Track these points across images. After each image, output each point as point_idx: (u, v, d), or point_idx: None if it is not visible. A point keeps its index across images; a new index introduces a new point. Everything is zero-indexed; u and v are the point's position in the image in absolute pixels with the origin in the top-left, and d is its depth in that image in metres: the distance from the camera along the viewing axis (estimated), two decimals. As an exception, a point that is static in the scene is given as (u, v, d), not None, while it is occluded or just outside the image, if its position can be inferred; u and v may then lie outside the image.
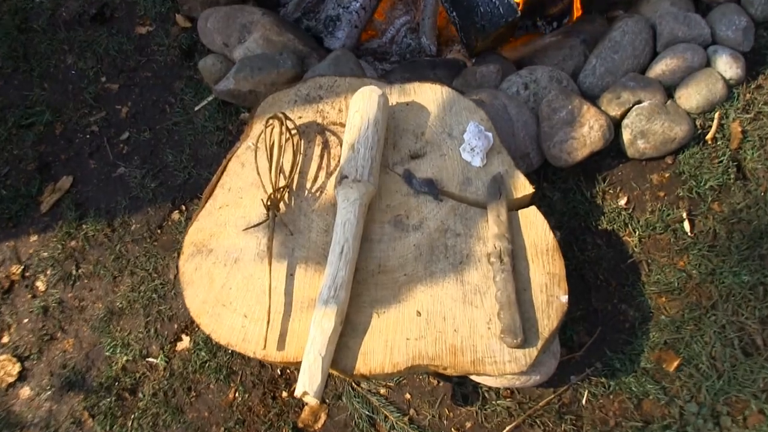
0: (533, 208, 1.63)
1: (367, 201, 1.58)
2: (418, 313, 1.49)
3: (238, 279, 1.58)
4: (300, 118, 1.82)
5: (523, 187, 1.66)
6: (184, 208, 2.18)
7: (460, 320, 1.48)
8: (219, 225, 1.66)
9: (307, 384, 1.36)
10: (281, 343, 1.48)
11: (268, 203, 1.60)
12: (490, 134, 1.72)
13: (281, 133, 1.71)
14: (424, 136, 1.76)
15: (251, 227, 1.62)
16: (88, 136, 2.34)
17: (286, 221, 1.63)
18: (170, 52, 2.47)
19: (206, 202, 1.72)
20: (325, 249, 1.58)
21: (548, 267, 1.54)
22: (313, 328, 1.42)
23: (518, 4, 2.26)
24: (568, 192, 1.95)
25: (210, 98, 2.29)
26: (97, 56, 2.53)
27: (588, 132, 1.89)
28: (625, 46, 2.12)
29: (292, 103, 1.86)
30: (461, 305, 1.50)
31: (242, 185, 1.72)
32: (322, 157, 1.74)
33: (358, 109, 1.70)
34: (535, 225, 1.60)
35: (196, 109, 2.30)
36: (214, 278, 1.59)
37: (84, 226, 2.19)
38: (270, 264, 1.53)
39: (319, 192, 1.68)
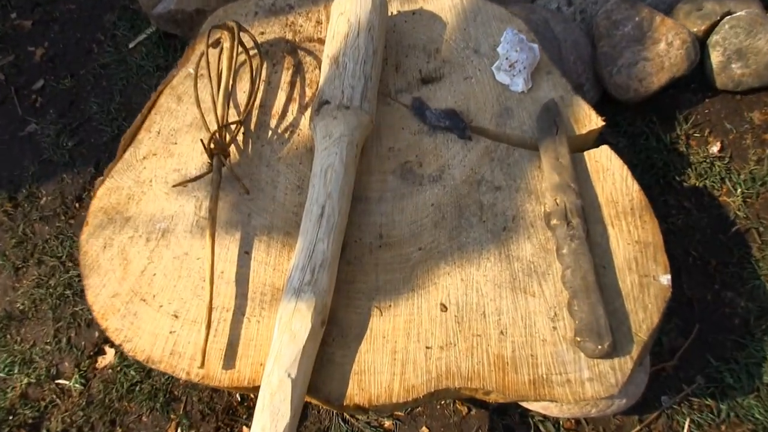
0: (605, 149, 1.12)
1: (360, 138, 1.07)
2: (443, 308, 0.98)
3: (166, 261, 1.06)
4: (262, 34, 1.30)
5: (587, 120, 1.15)
6: (111, 172, 1.64)
7: (508, 317, 0.97)
8: (141, 183, 1.14)
9: (269, 426, 0.85)
10: (229, 358, 0.97)
11: (211, 146, 1.07)
12: (535, 46, 1.20)
13: (233, 48, 1.18)
14: (439, 54, 1.24)
15: (185, 182, 1.10)
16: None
17: (239, 174, 1.11)
18: (100, -22, 1.94)
19: (124, 151, 1.19)
20: (297, 213, 1.06)
21: (636, 233, 1.03)
22: (278, 332, 0.90)
23: None
24: (637, 137, 1.44)
25: (149, 31, 1.77)
26: (6, -14, 1.99)
27: (666, 50, 1.38)
28: (697, -49, 1.60)
29: (252, 15, 1.34)
30: (509, 293, 0.98)
31: (177, 126, 1.20)
32: (292, 84, 1.22)
33: (344, 11, 1.18)
34: (610, 172, 1.09)
35: (131, 45, 1.78)
36: (130, 260, 1.07)
37: (-22, 200, 1.65)
38: (212, 237, 1.01)
39: (288, 132, 1.16)
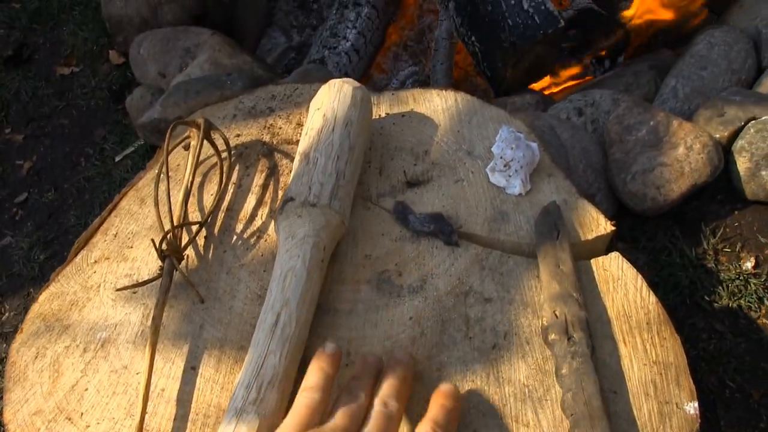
0: (616, 256, 1.02)
1: (329, 241, 0.98)
2: (417, 439, 0.84)
3: (101, 374, 0.96)
4: (238, 136, 1.25)
5: (594, 224, 1.06)
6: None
7: (496, 452, 0.83)
8: (88, 288, 1.06)
9: None
10: (155, 497, 0.83)
11: (163, 247, 0.99)
12: (534, 144, 1.13)
13: (198, 146, 1.12)
14: (428, 156, 1.18)
15: (131, 287, 1.01)
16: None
17: (194, 281, 1.02)
18: (96, 95, 1.98)
19: (76, 254, 1.12)
20: (255, 326, 0.95)
21: (654, 352, 0.91)
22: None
23: (559, 12, 1.74)
24: (659, 253, 1.33)
25: (136, 144, 1.77)
26: (3, 103, 2.05)
27: (685, 155, 1.30)
28: (716, 60, 1.58)
29: (230, 118, 1.30)
30: (499, 423, 0.85)
31: (136, 230, 1.13)
32: (265, 188, 1.16)
33: (321, 106, 1.13)
34: (622, 282, 0.98)
35: (117, 159, 1.77)
36: (62, 372, 0.97)
37: (-61, 317, 1.58)
38: (153, 348, 0.91)
39: (255, 238, 1.08)
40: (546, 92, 2.00)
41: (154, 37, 1.82)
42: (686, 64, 1.60)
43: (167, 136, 1.11)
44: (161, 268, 1.00)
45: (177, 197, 1.10)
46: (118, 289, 1.02)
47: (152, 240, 1.00)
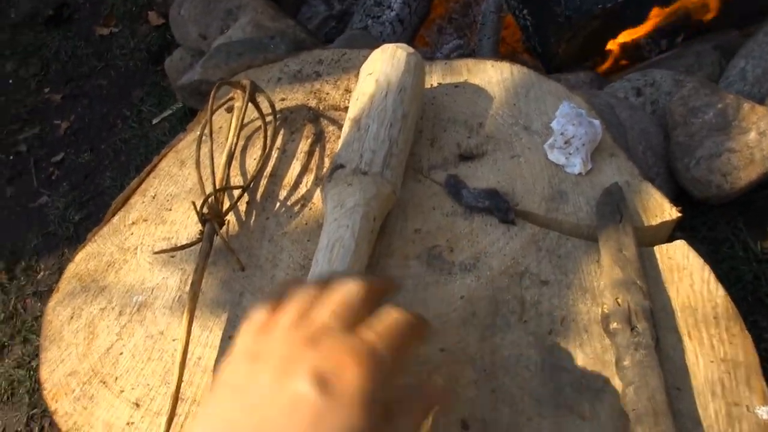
0: (681, 244, 0.95)
1: (379, 212, 0.92)
2: (465, 426, 0.79)
3: (137, 339, 0.92)
4: (283, 100, 1.21)
5: (659, 210, 0.99)
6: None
7: (550, 444, 0.78)
8: (125, 250, 1.03)
9: None
10: (189, 469, 0.80)
11: (204, 211, 0.94)
12: (596, 122, 1.06)
13: (243, 108, 1.08)
14: (482, 129, 1.12)
15: (170, 250, 0.97)
16: (11, 157, 1.79)
17: (235, 247, 0.97)
18: (135, 56, 1.95)
19: (113, 215, 1.08)
20: (298, 297, 0.90)
21: (722, 349, 0.85)
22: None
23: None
24: (720, 244, 1.27)
25: (174, 107, 1.73)
26: (43, 62, 2.01)
27: (757, 141, 1.23)
28: (790, 42, 1.48)
29: (275, 81, 1.26)
30: (552, 412, 0.79)
31: (176, 192, 1.09)
32: (310, 154, 1.11)
33: (373, 71, 1.07)
34: (687, 272, 0.92)
35: (155, 121, 1.74)
36: (97, 334, 0.94)
37: (-25, 271, 1.58)
38: (191, 315, 0.87)
39: (299, 205, 1.03)
40: (599, 70, 1.92)
41: (196, -3, 1.78)
42: (758, 43, 1.50)
43: (212, 95, 1.07)
44: (201, 233, 0.96)
45: (219, 160, 1.05)
46: (155, 252, 0.99)
47: (193, 203, 0.96)
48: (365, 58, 1.18)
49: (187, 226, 1.03)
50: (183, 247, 0.96)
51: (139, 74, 1.87)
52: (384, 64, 1.08)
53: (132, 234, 1.05)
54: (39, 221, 1.64)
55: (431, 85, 1.21)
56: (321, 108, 1.18)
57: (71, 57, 1.97)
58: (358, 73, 1.20)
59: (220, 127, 1.18)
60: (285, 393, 0.46)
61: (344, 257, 0.85)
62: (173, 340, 0.91)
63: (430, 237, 0.98)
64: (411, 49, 1.11)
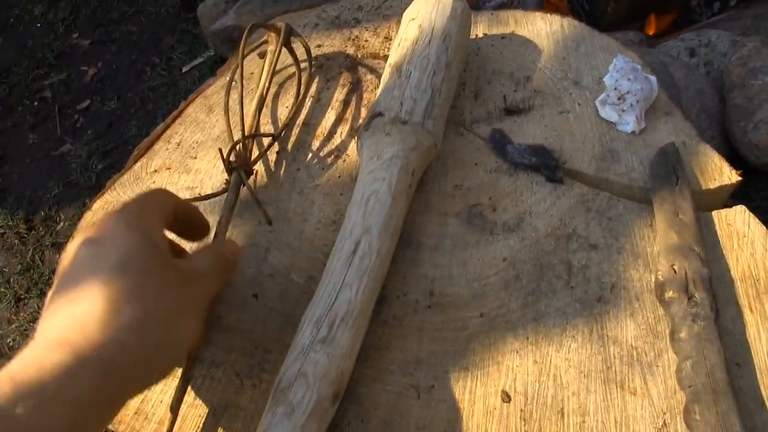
0: (741, 209, 0.88)
1: (418, 165, 0.86)
2: (506, 397, 0.74)
3: (156, 295, 0.85)
4: (319, 47, 1.14)
5: (717, 173, 0.92)
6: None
7: (596, 420, 0.72)
8: (146, 199, 0.96)
9: None
10: (208, 430, 0.75)
11: (230, 159, 0.89)
12: (653, 78, 0.99)
13: (277, 51, 1.01)
14: (529, 83, 1.04)
15: (193, 200, 0.91)
16: (36, 103, 1.74)
17: (263, 199, 0.92)
18: (166, 2, 1.89)
19: (135, 162, 1.03)
20: (327, 254, 0.84)
21: (787, 325, 0.77)
22: (271, 402, 0.68)
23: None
24: (779, 214, 1.17)
25: (205, 55, 1.67)
26: (73, 5, 1.96)
27: (823, 104, 1.13)
28: None
29: (312, 27, 1.19)
30: (600, 387, 0.74)
31: (202, 139, 1.03)
32: (346, 103, 1.04)
33: (416, 16, 1.00)
34: (748, 240, 0.85)
35: (185, 69, 1.68)
36: (114, 291, 0.87)
37: (-7, 220, 1.54)
38: (215, 268, 0.80)
39: (332, 157, 0.97)
40: (649, 32, 1.82)
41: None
42: (819, 6, 1.40)
43: (243, 37, 1.00)
44: (227, 182, 0.91)
45: (249, 107, 0.99)
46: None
47: (219, 150, 0.90)
48: (407, 5, 1.10)
49: (212, 176, 0.98)
50: (208, 197, 0.91)
51: (171, 21, 1.80)
52: (428, 9, 1.00)
53: (154, 182, 1.00)
54: (61, 170, 1.59)
55: (476, 35, 1.13)
56: (359, 56, 1.11)
57: (101, 2, 1.91)
58: (400, 19, 1.13)
59: (252, 73, 1.12)
60: (70, 255, 0.59)
61: (380, 212, 0.79)
62: (196, 294, 0.86)
63: (472, 194, 0.92)
64: (456, -5, 1.04)
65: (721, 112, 1.23)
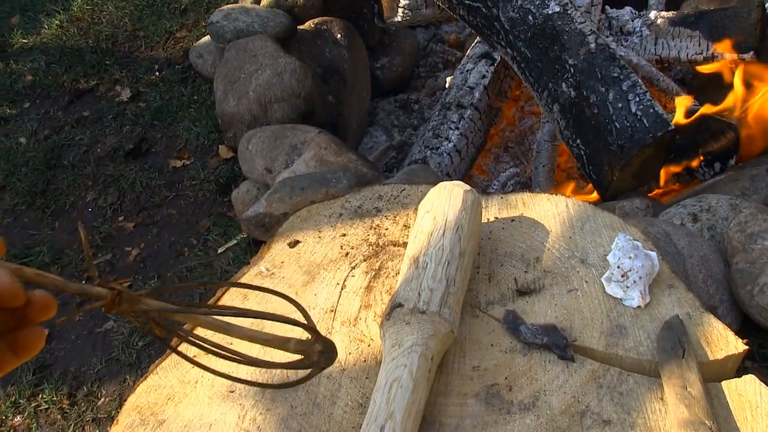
0: (752, 379, 0.92)
1: (437, 351, 0.92)
2: None
3: (194, 480, 0.90)
4: (344, 236, 1.23)
5: (723, 342, 0.97)
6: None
7: None
8: (185, 383, 1.04)
9: None
10: None
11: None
12: (653, 254, 1.05)
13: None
14: (539, 264, 1.11)
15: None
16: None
17: (292, 376, 0.97)
18: (204, 187, 2.03)
19: (177, 346, 1.09)
20: (355, 437, 0.89)
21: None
22: None
23: (670, 116, 1.68)
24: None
25: (239, 237, 1.78)
26: (120, 192, 2.12)
27: (822, 271, 1.18)
28: None
29: (336, 217, 1.28)
30: None
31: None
32: (369, 290, 1.11)
33: (431, 208, 1.09)
34: (762, 411, 0.88)
35: (220, 251, 1.79)
36: (154, 475, 0.92)
37: (40, 396, 1.60)
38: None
39: (358, 342, 1.03)
40: (653, 195, 1.91)
41: (263, 133, 1.86)
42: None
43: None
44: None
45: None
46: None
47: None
48: (423, 193, 1.20)
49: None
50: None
51: (207, 204, 1.95)
52: (441, 201, 1.10)
53: (193, 367, 1.06)
54: (104, 346, 1.67)
55: (488, 219, 1.23)
56: (380, 243, 1.20)
57: (145, 187, 2.08)
58: (417, 208, 1.22)
59: (282, 262, 1.21)
60: None
61: (402, 398, 0.84)
62: (231, 480, 0.90)
63: (489, 374, 0.96)
64: (467, 187, 1.14)
65: (727, 277, 1.28)
